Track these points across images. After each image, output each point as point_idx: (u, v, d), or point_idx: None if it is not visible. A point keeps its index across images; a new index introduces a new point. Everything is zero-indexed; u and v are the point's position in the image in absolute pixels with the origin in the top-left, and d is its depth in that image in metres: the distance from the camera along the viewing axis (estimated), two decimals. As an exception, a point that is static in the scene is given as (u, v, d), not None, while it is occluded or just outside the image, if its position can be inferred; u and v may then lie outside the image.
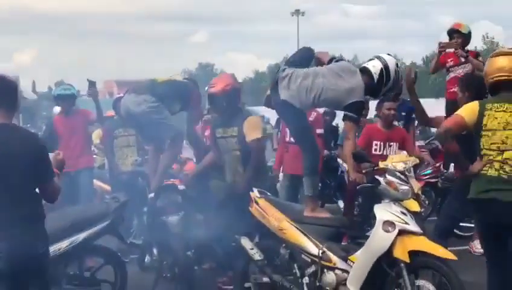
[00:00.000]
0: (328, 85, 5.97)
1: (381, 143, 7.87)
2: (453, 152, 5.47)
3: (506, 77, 5.17)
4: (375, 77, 6.03)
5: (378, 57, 6.15)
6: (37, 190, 4.47)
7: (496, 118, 5.09)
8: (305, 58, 6.40)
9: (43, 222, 4.52)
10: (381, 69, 6.04)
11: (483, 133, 5.14)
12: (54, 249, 5.89)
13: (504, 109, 5.09)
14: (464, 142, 5.51)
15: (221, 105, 6.92)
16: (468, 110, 5.27)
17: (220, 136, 7.03)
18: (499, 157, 5.08)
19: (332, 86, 5.97)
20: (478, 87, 5.94)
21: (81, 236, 6.13)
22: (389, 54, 6.25)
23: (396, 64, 6.18)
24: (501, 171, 5.07)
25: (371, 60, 6.18)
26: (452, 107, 6.90)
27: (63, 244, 6.00)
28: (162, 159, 7.44)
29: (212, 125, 7.50)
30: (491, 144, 5.11)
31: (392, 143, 7.85)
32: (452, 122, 5.30)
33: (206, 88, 7.24)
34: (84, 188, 8.90)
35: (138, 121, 7.49)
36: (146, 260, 7.49)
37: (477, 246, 8.31)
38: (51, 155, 4.71)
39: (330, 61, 6.30)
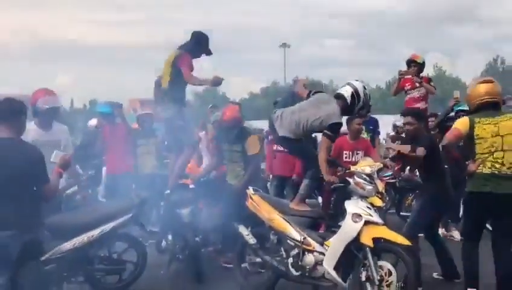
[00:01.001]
0: (311, 115, 6.00)
1: (350, 152, 7.93)
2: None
3: (490, 99, 5.57)
4: (348, 99, 6.05)
5: (349, 83, 6.16)
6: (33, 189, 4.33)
7: (485, 128, 5.45)
8: (288, 100, 6.50)
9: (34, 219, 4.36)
10: (352, 92, 6.05)
11: (477, 141, 5.50)
12: (87, 236, 5.93)
13: (489, 122, 5.46)
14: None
15: (229, 129, 7.18)
16: (462, 124, 5.61)
17: (226, 149, 7.30)
18: (490, 158, 5.41)
19: (314, 115, 6.00)
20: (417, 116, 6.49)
21: (110, 225, 6.08)
22: (357, 80, 6.26)
23: (364, 87, 6.18)
24: (493, 169, 5.39)
25: (343, 86, 6.20)
26: None
27: (95, 232, 5.97)
28: (177, 163, 7.44)
29: (217, 140, 7.62)
30: (484, 148, 5.45)
31: (358, 152, 7.91)
32: (452, 136, 5.61)
33: (210, 106, 7.37)
34: (124, 188, 8.76)
35: (167, 127, 7.56)
36: (162, 244, 7.45)
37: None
38: (60, 155, 4.69)
39: (309, 94, 6.34)
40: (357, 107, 6.16)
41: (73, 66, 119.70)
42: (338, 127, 6.06)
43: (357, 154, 7.85)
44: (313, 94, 6.31)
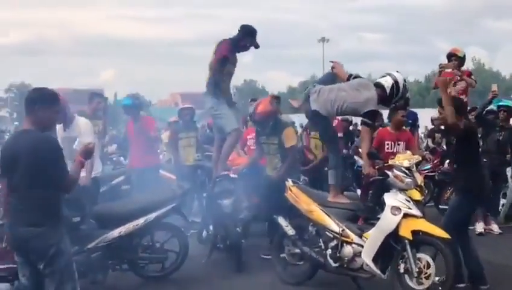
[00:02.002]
0: (349, 97, 5.99)
1: (392, 143, 7.84)
2: None
3: None
4: (387, 90, 6.00)
5: (390, 74, 6.11)
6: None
7: None
8: (329, 79, 6.50)
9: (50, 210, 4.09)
10: (392, 83, 6.01)
11: None
12: (132, 225, 6.05)
13: None
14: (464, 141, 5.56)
15: (263, 122, 7.20)
16: None
17: (263, 142, 7.35)
18: None
19: (352, 98, 5.98)
20: (456, 106, 5.91)
21: (153, 215, 6.18)
22: (397, 72, 6.20)
23: (404, 80, 6.14)
24: None
25: (383, 76, 6.14)
26: None
27: (140, 221, 6.08)
28: (222, 150, 7.45)
29: (256, 133, 7.65)
30: None
31: (400, 142, 7.82)
32: None
33: (250, 100, 7.43)
34: (149, 182, 8.53)
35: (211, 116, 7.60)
36: (203, 234, 7.51)
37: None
38: (83, 141, 4.48)
39: (349, 78, 6.32)
40: (395, 98, 6.11)
41: (117, 61, 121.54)
42: (373, 115, 6.02)
43: (399, 145, 7.77)
44: (353, 78, 6.29)
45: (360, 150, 7.12)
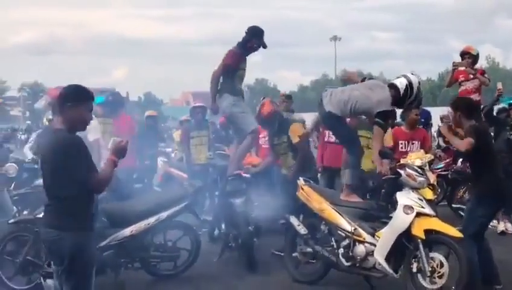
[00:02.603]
0: (362, 97, 5.97)
1: (406, 142, 7.77)
2: None
3: None
4: (401, 91, 5.95)
5: (405, 76, 6.07)
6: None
7: None
8: (341, 84, 6.55)
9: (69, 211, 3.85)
10: (406, 84, 5.96)
11: None
12: (144, 223, 6.07)
13: None
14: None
15: (269, 123, 7.28)
16: None
17: (276, 143, 7.40)
18: None
19: (365, 97, 5.96)
20: (466, 107, 5.89)
21: (165, 214, 6.20)
22: (412, 74, 6.15)
23: (419, 82, 6.08)
24: None
25: (398, 77, 6.10)
26: None
27: (151, 220, 6.10)
28: (238, 150, 7.50)
29: (269, 137, 7.69)
30: None
31: (414, 141, 7.75)
32: None
33: (262, 98, 7.49)
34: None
35: (228, 117, 7.66)
36: (215, 232, 7.54)
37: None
38: (115, 140, 4.13)
39: (363, 80, 6.31)
40: (408, 100, 6.06)
41: (129, 60, 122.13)
42: (386, 115, 5.99)
43: (413, 144, 7.71)
44: (368, 80, 6.31)
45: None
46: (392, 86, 6.02)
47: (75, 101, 3.92)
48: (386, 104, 5.94)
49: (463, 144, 5.71)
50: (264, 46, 7.43)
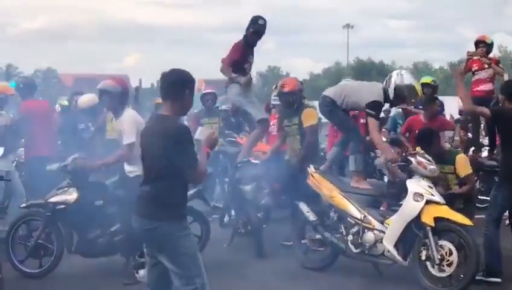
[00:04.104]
0: (352, 91, 6.27)
1: None
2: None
3: None
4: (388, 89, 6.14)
5: (401, 74, 6.19)
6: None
7: None
8: None
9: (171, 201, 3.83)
10: (388, 87, 6.12)
11: None
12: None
13: None
14: None
15: (289, 101, 7.13)
16: None
17: (285, 125, 7.25)
18: None
19: (355, 91, 6.26)
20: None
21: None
22: (402, 74, 6.23)
23: (412, 83, 6.14)
24: None
25: (399, 75, 6.19)
26: (477, 103, 6.79)
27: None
28: (248, 138, 7.55)
29: (279, 116, 7.64)
30: None
31: None
32: None
33: (274, 86, 7.44)
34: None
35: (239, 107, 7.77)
36: (225, 219, 7.56)
37: None
38: (206, 132, 4.12)
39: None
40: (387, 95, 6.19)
41: (141, 47, 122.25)
42: (376, 106, 6.07)
43: None
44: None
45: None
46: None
47: (192, 88, 3.95)
48: (377, 95, 6.09)
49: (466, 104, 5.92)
50: (257, 30, 7.58)
